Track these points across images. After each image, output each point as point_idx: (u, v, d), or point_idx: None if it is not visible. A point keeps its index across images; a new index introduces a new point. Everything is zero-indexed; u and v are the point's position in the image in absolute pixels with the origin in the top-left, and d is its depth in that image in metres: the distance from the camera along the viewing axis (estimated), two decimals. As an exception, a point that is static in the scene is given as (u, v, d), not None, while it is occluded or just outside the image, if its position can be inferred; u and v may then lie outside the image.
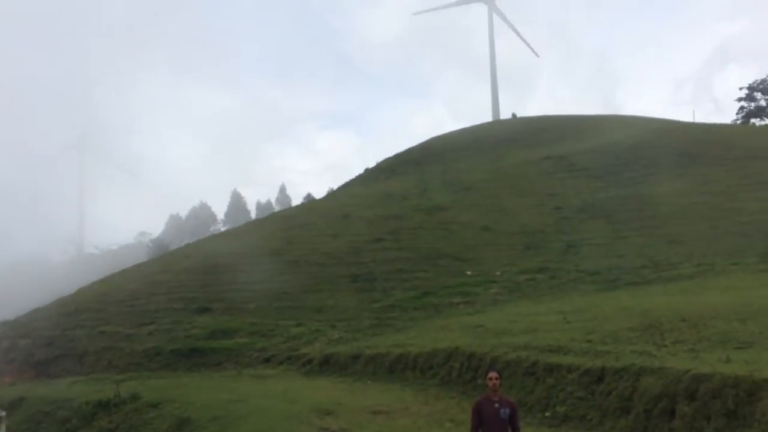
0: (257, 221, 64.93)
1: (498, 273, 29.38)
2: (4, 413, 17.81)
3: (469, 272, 30.01)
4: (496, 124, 76.16)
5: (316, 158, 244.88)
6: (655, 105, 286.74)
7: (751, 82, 70.67)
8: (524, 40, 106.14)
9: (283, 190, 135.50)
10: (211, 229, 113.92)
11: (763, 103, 69.75)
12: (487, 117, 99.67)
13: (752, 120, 68.70)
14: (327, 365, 21.03)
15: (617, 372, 11.94)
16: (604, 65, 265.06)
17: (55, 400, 19.76)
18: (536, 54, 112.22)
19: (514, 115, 79.88)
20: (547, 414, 12.44)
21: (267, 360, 23.52)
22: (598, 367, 12.45)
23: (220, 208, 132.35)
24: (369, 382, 18.24)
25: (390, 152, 71.83)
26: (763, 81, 69.51)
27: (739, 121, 69.26)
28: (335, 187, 71.00)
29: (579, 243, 32.12)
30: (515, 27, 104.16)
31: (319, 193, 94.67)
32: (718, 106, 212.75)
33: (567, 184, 42.39)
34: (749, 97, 70.12)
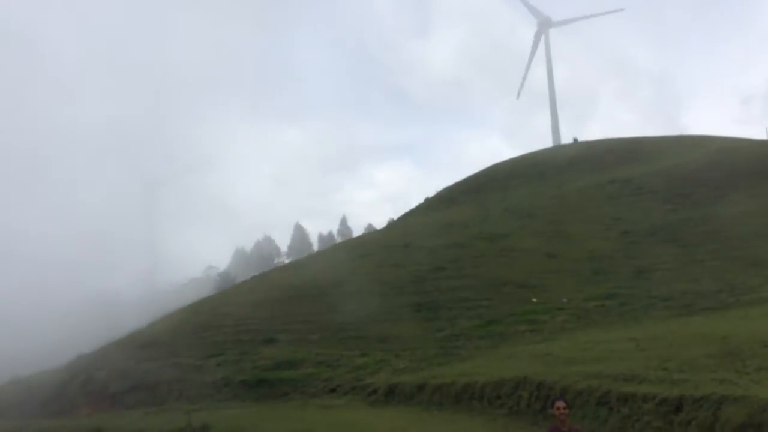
0: (319, 253, 65.80)
1: (565, 300, 28.65)
2: None
3: (534, 299, 29.40)
4: (558, 149, 74.99)
5: (375, 190, 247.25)
6: (723, 124, 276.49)
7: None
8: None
9: (344, 222, 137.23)
10: (275, 261, 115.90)
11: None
12: (545, 143, 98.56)
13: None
14: (392, 395, 20.90)
15: (697, 401, 11.40)
16: (666, 87, 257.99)
17: (131, 431, 20.34)
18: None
19: (575, 140, 78.35)
20: (622, 445, 11.97)
21: (332, 390, 23.57)
22: (675, 396, 11.93)
23: (283, 241, 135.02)
24: (435, 412, 18.01)
25: (449, 181, 71.48)
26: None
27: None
28: (395, 218, 71.29)
29: (650, 268, 31.02)
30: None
31: (380, 223, 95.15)
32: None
33: (634, 207, 41.18)
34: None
